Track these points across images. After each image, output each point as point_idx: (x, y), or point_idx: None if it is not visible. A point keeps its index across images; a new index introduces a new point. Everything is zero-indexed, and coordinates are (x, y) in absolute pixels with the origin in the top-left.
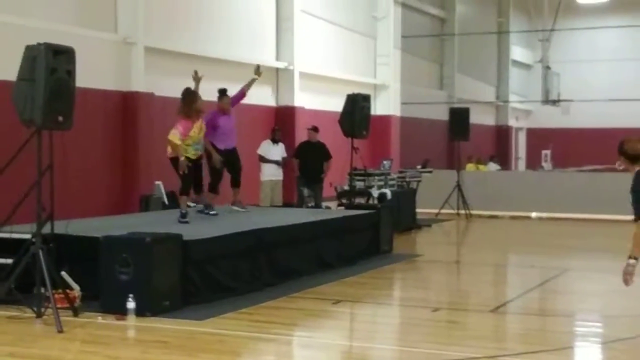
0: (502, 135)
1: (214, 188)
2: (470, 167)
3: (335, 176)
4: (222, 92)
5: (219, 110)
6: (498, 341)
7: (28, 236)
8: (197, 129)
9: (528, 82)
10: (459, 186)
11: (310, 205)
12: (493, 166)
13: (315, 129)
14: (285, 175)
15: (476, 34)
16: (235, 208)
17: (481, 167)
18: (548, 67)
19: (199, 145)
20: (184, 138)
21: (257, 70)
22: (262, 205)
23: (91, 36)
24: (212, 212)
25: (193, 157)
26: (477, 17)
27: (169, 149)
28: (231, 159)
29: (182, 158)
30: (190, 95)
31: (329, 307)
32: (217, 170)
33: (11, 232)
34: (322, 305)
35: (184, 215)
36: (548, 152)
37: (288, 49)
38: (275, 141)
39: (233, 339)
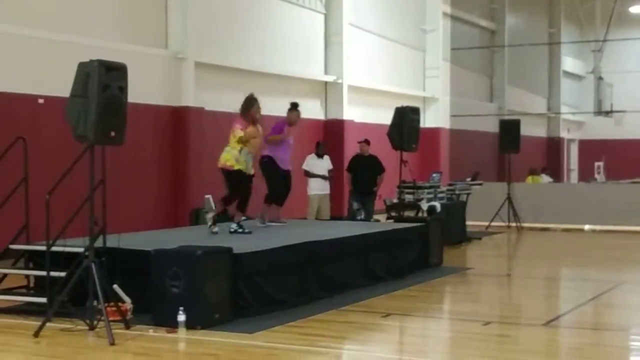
0: (553, 147)
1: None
2: (530, 179)
3: (384, 189)
4: (293, 106)
5: (285, 121)
6: (551, 356)
7: (81, 250)
8: (256, 133)
9: (580, 93)
10: (509, 198)
11: (359, 218)
12: (545, 178)
13: (366, 142)
14: (333, 188)
15: (527, 45)
16: (274, 224)
17: (536, 179)
18: (600, 78)
19: (249, 159)
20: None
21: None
22: (309, 219)
23: (142, 52)
24: (246, 230)
25: (245, 170)
26: (527, 28)
27: (221, 160)
28: (286, 181)
29: (236, 167)
30: (247, 100)
31: (379, 320)
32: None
33: (65, 245)
34: (371, 318)
35: (214, 222)
36: (601, 163)
37: (337, 63)
38: (319, 155)
39: (283, 352)
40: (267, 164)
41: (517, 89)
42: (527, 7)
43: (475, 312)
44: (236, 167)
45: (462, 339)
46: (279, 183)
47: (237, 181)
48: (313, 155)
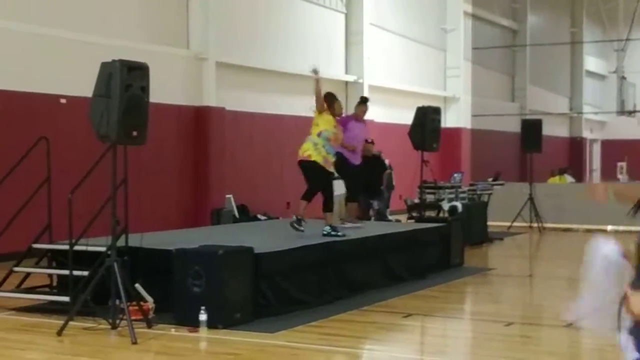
0: (575, 147)
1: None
2: (553, 180)
3: (405, 189)
4: (362, 100)
5: (353, 116)
6: (573, 357)
7: (103, 249)
8: (331, 124)
9: (602, 92)
10: (531, 199)
11: (372, 217)
12: (567, 179)
13: (371, 142)
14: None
15: (549, 44)
16: (348, 225)
17: (562, 179)
18: (623, 78)
19: (330, 148)
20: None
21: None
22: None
23: (164, 52)
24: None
25: (322, 163)
26: (549, 27)
27: (300, 152)
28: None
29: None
30: (328, 96)
31: (400, 320)
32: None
33: (87, 245)
34: (392, 318)
35: (299, 222)
36: (624, 164)
37: (357, 63)
38: None
39: (304, 351)
40: (339, 162)
41: (539, 88)
42: (549, 6)
43: (497, 312)
44: (313, 158)
45: (483, 340)
46: (354, 180)
47: (313, 174)
48: None
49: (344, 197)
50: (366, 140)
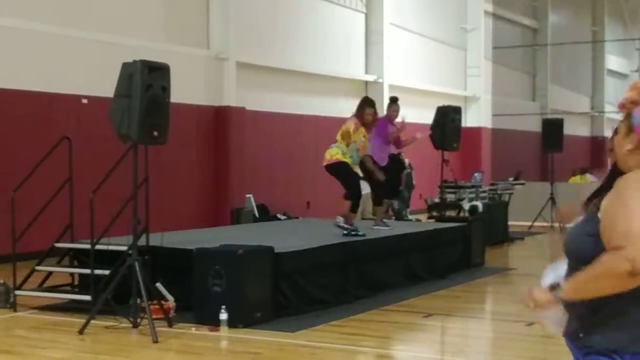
0: (597, 146)
1: (378, 201)
2: (575, 179)
3: (425, 189)
4: (392, 100)
5: (386, 118)
6: None
7: (124, 248)
8: (361, 134)
9: (624, 91)
10: (552, 198)
11: (392, 217)
12: (589, 178)
13: None
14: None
15: (570, 43)
16: (377, 228)
17: (584, 178)
18: None
19: (356, 157)
20: (355, 130)
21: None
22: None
23: (184, 52)
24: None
25: (352, 164)
26: (570, 26)
27: (326, 157)
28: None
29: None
30: (362, 102)
31: (420, 320)
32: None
33: (108, 244)
34: (413, 318)
35: (348, 227)
36: None
37: (377, 62)
38: None
39: (324, 351)
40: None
41: (559, 87)
42: (569, 4)
43: (518, 312)
44: (343, 159)
45: (504, 340)
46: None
47: (346, 173)
48: None
49: (368, 196)
50: None
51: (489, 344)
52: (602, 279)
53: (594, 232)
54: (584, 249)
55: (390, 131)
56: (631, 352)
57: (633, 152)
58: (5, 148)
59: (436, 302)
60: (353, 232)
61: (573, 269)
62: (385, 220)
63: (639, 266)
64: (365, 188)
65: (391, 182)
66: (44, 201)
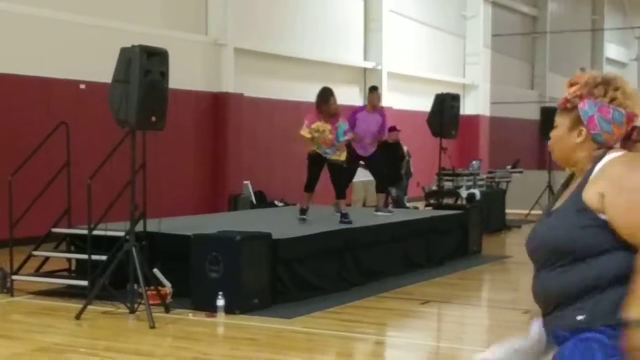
0: None
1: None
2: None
3: (423, 176)
4: (370, 89)
5: (363, 106)
6: None
7: (122, 234)
8: (323, 127)
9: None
10: (550, 187)
11: (390, 204)
12: None
13: (391, 129)
14: None
15: (569, 31)
16: (379, 214)
17: None
18: None
19: (328, 150)
20: (309, 129)
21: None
22: (356, 207)
23: (183, 38)
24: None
25: (318, 154)
26: (569, 14)
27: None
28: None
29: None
30: (323, 93)
31: (417, 307)
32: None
33: (106, 229)
34: (410, 305)
35: (302, 212)
36: None
37: (376, 49)
38: None
39: (321, 337)
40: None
41: (558, 76)
42: None
43: (515, 300)
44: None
45: (501, 327)
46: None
47: (309, 163)
48: None
49: (370, 183)
50: (392, 129)
51: (485, 331)
52: None
53: (592, 224)
54: (583, 243)
55: (359, 118)
56: (607, 324)
57: (582, 144)
58: (3, 133)
59: (433, 289)
60: (345, 220)
61: (549, 265)
62: (382, 209)
63: None
64: (368, 175)
65: (390, 169)
66: (42, 186)
